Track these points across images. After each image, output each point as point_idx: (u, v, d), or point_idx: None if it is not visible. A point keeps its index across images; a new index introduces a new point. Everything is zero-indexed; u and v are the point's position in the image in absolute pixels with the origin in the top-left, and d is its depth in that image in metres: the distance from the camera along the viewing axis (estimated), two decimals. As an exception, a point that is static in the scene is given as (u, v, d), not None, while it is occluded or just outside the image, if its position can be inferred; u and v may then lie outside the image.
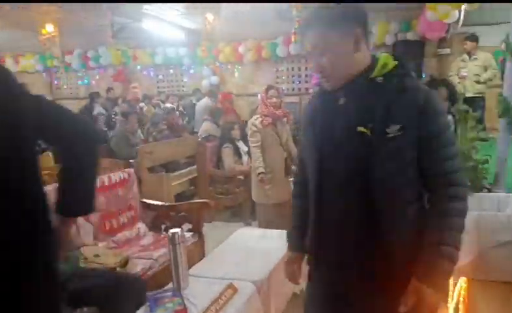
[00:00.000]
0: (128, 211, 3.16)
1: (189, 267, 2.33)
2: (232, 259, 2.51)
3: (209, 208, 3.13)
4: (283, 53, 8.33)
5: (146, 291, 1.99)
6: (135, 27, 7.39)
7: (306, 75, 8.75)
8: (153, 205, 3.35)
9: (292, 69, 8.89)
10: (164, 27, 7.53)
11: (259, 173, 3.55)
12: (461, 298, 2.27)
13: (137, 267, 2.57)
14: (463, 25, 6.15)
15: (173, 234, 1.98)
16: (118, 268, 2.42)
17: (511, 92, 2.84)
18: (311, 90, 8.43)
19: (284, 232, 2.82)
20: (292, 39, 7.72)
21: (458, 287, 2.35)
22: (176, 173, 5.20)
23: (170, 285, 2.10)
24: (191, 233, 3.15)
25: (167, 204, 3.40)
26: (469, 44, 5.89)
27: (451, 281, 2.50)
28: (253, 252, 2.59)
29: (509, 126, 2.81)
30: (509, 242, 2.08)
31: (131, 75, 9.94)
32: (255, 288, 2.13)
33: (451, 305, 2.49)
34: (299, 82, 8.83)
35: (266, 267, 2.35)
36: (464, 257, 2.18)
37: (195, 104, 8.10)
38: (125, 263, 2.49)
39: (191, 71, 9.67)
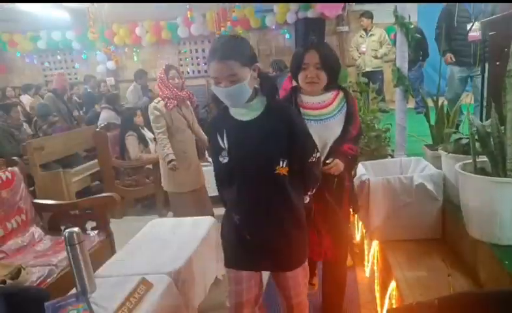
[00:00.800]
0: (17, 215, 2.76)
1: (98, 268, 2.15)
2: (144, 253, 2.33)
3: (115, 203, 2.84)
4: (184, 34, 8.02)
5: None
6: (10, 9, 6.49)
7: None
8: (48, 205, 2.96)
9: (196, 50, 8.61)
10: (45, 8, 6.71)
11: (170, 161, 3.31)
12: (375, 261, 2.39)
13: (33, 276, 2.25)
14: (358, 2, 6.50)
15: (70, 234, 1.73)
16: (8, 281, 2.08)
17: (403, 62, 3.03)
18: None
19: (200, 218, 2.69)
20: (188, 15, 7.47)
21: (372, 251, 2.46)
22: (76, 168, 4.72)
23: (74, 290, 1.86)
24: (96, 231, 2.86)
25: (63, 202, 3.03)
26: (365, 21, 6.28)
27: (366, 245, 2.63)
28: (167, 242, 2.43)
29: (405, 95, 3.00)
30: (411, 202, 2.22)
31: (10, 63, 8.77)
32: (170, 280, 2.00)
33: (368, 267, 2.62)
34: (205, 64, 8.58)
35: (182, 257, 2.21)
36: (375, 221, 2.29)
37: (90, 92, 7.42)
38: (17, 274, 2.15)
39: (83, 56, 8.84)
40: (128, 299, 1.78)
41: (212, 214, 3.65)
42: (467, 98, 3.36)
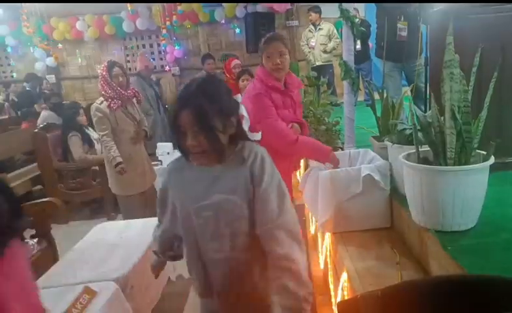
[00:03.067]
0: None
1: (38, 278, 2.01)
2: (89, 259, 2.22)
3: (56, 208, 2.67)
4: (130, 29, 7.70)
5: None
6: None
7: (160, 52, 8.28)
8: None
9: (143, 46, 8.31)
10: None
11: (117, 164, 3.14)
12: (328, 253, 2.41)
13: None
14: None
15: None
16: None
17: (349, 55, 3.08)
18: (167, 68, 8.05)
19: (150, 220, 2.58)
20: (129, 8, 7.21)
21: (325, 243, 2.48)
22: (13, 173, 4.40)
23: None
24: (35, 240, 2.67)
25: (-3, 211, 2.77)
26: (313, 16, 6.34)
27: (319, 238, 2.65)
28: (114, 247, 2.32)
29: (352, 88, 3.05)
30: (360, 193, 2.26)
31: None
32: (117, 287, 1.90)
33: (321, 259, 2.64)
34: (154, 59, 8.27)
35: (129, 261, 2.12)
36: (325, 213, 2.30)
37: (29, 91, 6.95)
38: None
39: (19, 52, 8.23)
40: (69, 311, 1.68)
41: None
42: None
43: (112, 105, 3.11)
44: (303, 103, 3.68)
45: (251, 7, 7.45)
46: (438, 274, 1.63)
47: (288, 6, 7.27)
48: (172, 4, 7.31)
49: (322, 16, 6.39)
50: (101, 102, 3.15)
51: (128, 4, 6.83)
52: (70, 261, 2.25)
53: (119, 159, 3.12)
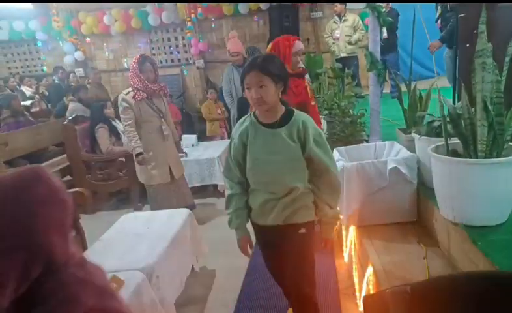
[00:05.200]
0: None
1: None
2: (116, 249, 2.26)
3: (84, 198, 2.74)
4: (155, 22, 7.78)
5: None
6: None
7: (184, 45, 8.33)
8: (12, 204, 2.81)
9: (168, 39, 8.37)
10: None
11: (138, 154, 3.22)
12: (353, 246, 2.38)
13: None
14: (331, 3, 6.43)
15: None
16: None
17: (375, 46, 3.02)
18: (192, 61, 8.11)
19: (175, 211, 2.61)
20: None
21: (349, 236, 2.46)
22: (44, 164, 4.53)
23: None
24: (65, 229, 2.74)
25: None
26: (338, 6, 6.22)
27: (344, 231, 2.62)
28: (140, 237, 2.36)
29: (378, 79, 2.99)
30: (386, 186, 2.22)
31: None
32: (143, 276, 1.94)
33: (346, 252, 2.62)
34: (178, 52, 8.35)
35: (155, 251, 2.15)
36: (350, 207, 2.28)
37: (58, 84, 7.15)
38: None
39: (49, 47, 8.48)
40: (97, 299, 1.71)
41: (193, 206, 3.59)
42: (439, 81, 3.39)
43: (137, 96, 3.18)
44: (328, 94, 3.64)
45: (276, -3, 7.38)
46: (467, 269, 1.59)
47: (312, -4, 7.17)
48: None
49: (347, 7, 6.26)
50: (128, 93, 3.23)
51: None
52: (98, 251, 2.30)
53: (139, 150, 3.20)
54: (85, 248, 2.75)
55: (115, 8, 7.73)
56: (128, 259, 2.11)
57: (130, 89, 3.23)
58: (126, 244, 2.31)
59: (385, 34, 5.17)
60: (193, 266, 2.63)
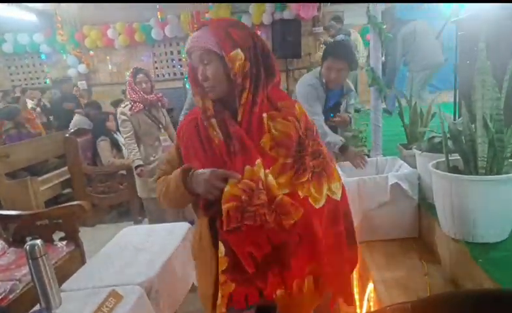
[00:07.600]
0: (-21, 228, 2.61)
1: (66, 280, 2.07)
2: (115, 263, 2.25)
3: (84, 211, 2.73)
4: (159, 36, 7.88)
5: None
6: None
7: (187, 59, 8.39)
8: (11, 215, 2.82)
9: (172, 53, 8.46)
10: (9, 10, 6.45)
11: (136, 167, 3.25)
12: (352, 262, 2.36)
13: (-7, 292, 2.13)
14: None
15: (31, 246, 1.63)
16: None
17: (376, 62, 3.04)
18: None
19: (175, 224, 2.61)
20: (159, 17, 7.38)
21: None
22: (45, 176, 4.54)
23: (38, 306, 1.76)
24: (64, 242, 2.74)
25: (27, 213, 2.88)
26: (331, 32, 6.24)
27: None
28: (139, 251, 2.35)
29: (380, 94, 3.00)
30: (387, 202, 2.21)
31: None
32: (142, 291, 1.93)
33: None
34: (181, 66, 8.42)
35: (155, 265, 2.14)
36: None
37: (61, 96, 7.18)
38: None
39: (53, 59, 8.56)
40: (95, 314, 1.71)
41: (193, 220, 3.58)
42: (440, 96, 3.40)
43: (134, 108, 3.24)
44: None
45: (278, 14, 7.48)
46: (469, 287, 1.58)
47: (314, 12, 7.25)
48: (200, 11, 7.43)
49: (349, 22, 6.30)
50: (125, 106, 3.29)
51: (158, 12, 6.98)
52: (97, 264, 2.29)
53: (139, 162, 3.24)
54: (83, 261, 2.75)
55: (119, 22, 7.83)
56: (128, 272, 2.10)
57: (128, 102, 3.29)
58: (126, 258, 2.30)
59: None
60: (193, 282, 2.61)
